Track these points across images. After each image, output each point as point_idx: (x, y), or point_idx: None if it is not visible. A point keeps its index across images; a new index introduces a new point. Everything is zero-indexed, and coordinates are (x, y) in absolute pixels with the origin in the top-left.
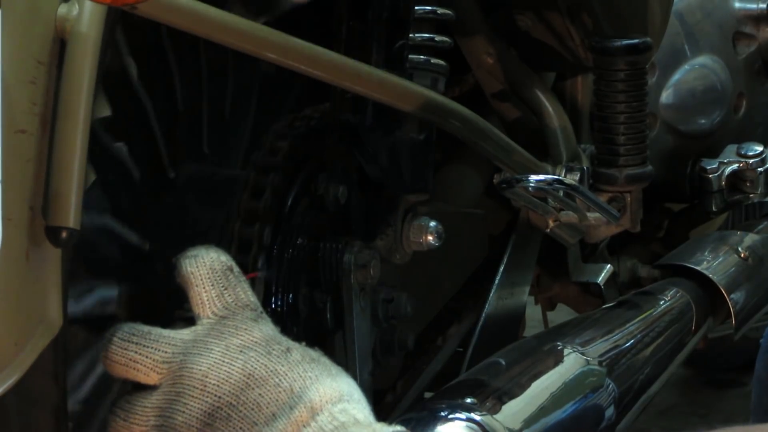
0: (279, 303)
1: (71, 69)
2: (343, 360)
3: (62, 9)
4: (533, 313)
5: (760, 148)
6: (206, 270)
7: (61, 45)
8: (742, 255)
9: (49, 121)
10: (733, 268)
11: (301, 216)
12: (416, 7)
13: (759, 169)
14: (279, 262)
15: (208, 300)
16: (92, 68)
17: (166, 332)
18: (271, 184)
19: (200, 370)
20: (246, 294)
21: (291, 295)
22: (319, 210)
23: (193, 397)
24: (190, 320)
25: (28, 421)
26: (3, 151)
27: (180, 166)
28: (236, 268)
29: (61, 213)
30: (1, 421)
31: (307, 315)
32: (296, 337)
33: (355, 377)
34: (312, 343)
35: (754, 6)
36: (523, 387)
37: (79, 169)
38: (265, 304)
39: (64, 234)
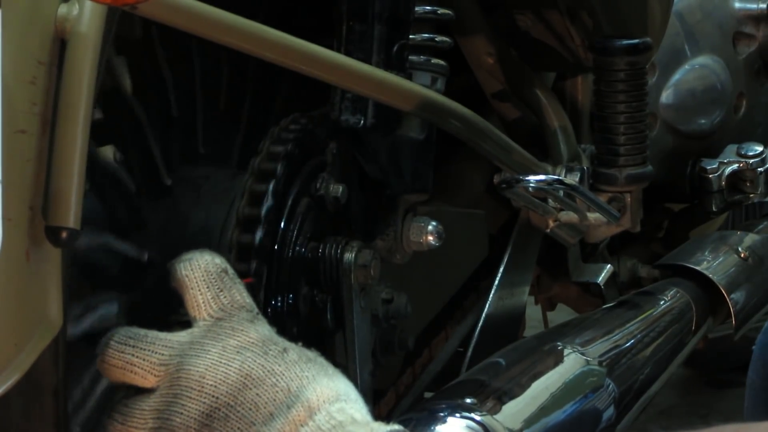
0: (279, 303)
1: (71, 69)
2: (343, 360)
3: (62, 9)
4: (533, 313)
5: (760, 148)
6: (201, 273)
7: (61, 45)
8: (742, 255)
9: (49, 121)
10: (733, 268)
11: (301, 216)
12: (416, 7)
13: (759, 169)
14: (279, 262)
15: (203, 302)
16: (92, 68)
17: (162, 335)
18: (271, 184)
19: (197, 371)
20: (242, 295)
21: (291, 295)
22: (319, 210)
23: (190, 398)
24: (186, 324)
25: (29, 421)
26: (3, 151)
27: (177, 166)
28: (231, 270)
29: (61, 213)
30: (1, 420)
31: (307, 315)
32: (296, 337)
33: (355, 377)
34: (312, 342)
35: (754, 6)
36: (523, 387)
37: (79, 169)
38: (266, 303)
39: (64, 234)
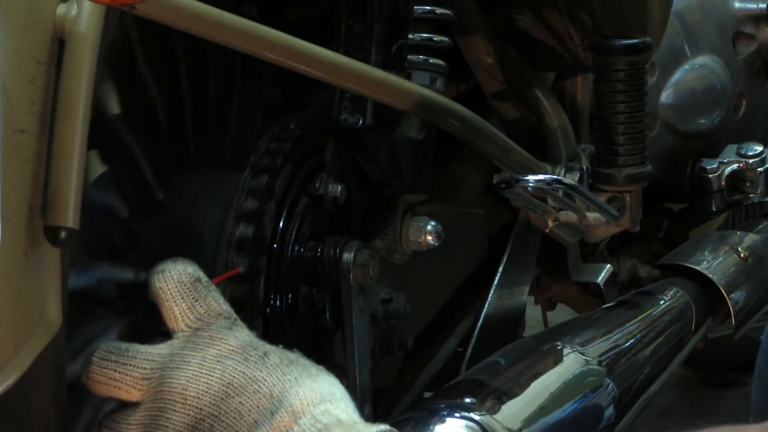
0: (278, 302)
1: (70, 69)
2: (343, 360)
3: (61, 9)
4: (533, 313)
5: (760, 148)
6: (174, 284)
7: (60, 45)
8: (742, 255)
9: (48, 120)
10: (733, 268)
11: (300, 216)
12: (415, 7)
13: (759, 169)
14: (279, 262)
15: (180, 313)
16: (91, 68)
17: (143, 348)
18: (271, 184)
19: (179, 383)
20: (218, 303)
21: (290, 295)
22: (318, 210)
23: (175, 411)
24: (168, 334)
25: (27, 420)
26: (2, 151)
27: (178, 164)
28: (205, 278)
29: (60, 213)
30: (0, 420)
31: (306, 315)
32: (295, 337)
33: (354, 377)
34: (311, 343)
35: (754, 6)
36: (522, 387)
37: (78, 168)
38: (265, 303)
39: (62, 234)
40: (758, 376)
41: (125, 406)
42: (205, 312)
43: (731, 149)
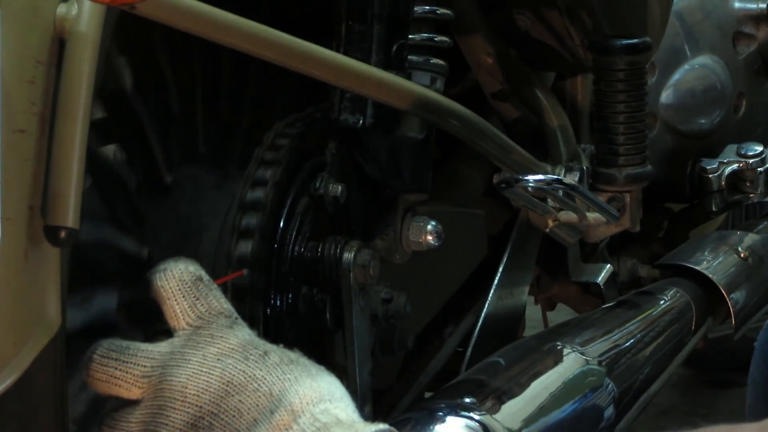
0: (279, 303)
1: (70, 69)
2: (343, 360)
3: (61, 9)
4: (533, 313)
5: (760, 148)
6: (176, 282)
7: (60, 45)
8: (742, 255)
9: (48, 120)
10: (733, 268)
11: (300, 215)
12: (416, 7)
13: (759, 169)
14: (279, 262)
15: (181, 312)
16: (91, 68)
17: (144, 346)
18: (271, 184)
19: (179, 381)
20: (219, 301)
21: (291, 295)
22: (318, 210)
23: (174, 409)
24: (169, 333)
25: (27, 420)
26: (2, 151)
27: (176, 167)
28: (206, 277)
29: (60, 213)
30: (0, 420)
31: (306, 315)
32: (295, 337)
33: (354, 377)
34: (312, 343)
35: (754, 6)
36: (522, 387)
37: (78, 168)
38: (266, 303)
39: (62, 234)
40: (752, 383)
41: (126, 404)
42: (206, 310)
43: (731, 149)
